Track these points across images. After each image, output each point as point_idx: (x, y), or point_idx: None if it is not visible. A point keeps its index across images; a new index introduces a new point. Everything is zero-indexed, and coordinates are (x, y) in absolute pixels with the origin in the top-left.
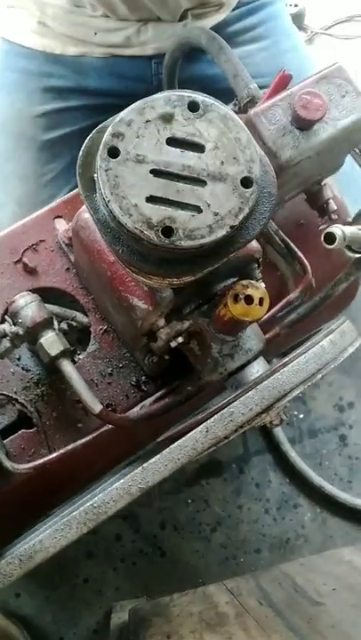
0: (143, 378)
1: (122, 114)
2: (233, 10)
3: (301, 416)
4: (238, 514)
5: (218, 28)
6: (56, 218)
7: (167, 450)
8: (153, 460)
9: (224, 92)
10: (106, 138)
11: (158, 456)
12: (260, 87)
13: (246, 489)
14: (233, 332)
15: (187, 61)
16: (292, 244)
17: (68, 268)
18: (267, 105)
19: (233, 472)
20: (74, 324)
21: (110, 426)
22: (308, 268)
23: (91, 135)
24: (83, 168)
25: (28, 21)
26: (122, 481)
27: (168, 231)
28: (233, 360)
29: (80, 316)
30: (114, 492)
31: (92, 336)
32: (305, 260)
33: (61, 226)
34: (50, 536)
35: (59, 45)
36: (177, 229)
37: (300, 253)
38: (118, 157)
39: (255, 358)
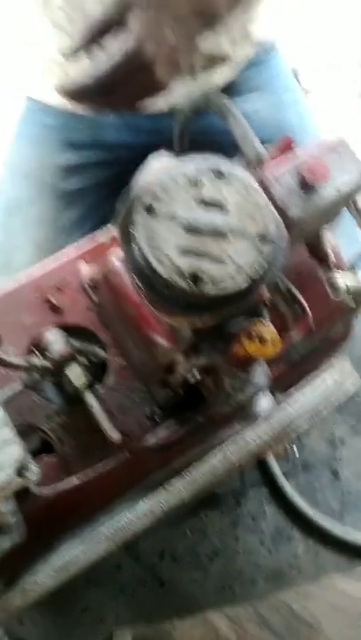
0: (156, 410)
1: (158, 177)
2: None
3: (296, 450)
4: (235, 545)
5: (226, 83)
6: (80, 262)
7: (187, 473)
8: (174, 482)
9: (229, 145)
10: (144, 197)
11: (179, 479)
12: (264, 140)
13: (243, 521)
14: (245, 367)
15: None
16: (293, 289)
17: (89, 308)
18: (276, 168)
19: (230, 504)
20: (93, 358)
21: (126, 454)
22: (308, 310)
23: (129, 195)
24: (122, 223)
25: (50, 81)
26: (146, 501)
27: (197, 280)
28: (243, 393)
29: (99, 351)
30: (139, 511)
31: (109, 370)
32: (305, 304)
33: (85, 269)
34: (81, 551)
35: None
36: (204, 279)
37: (300, 297)
38: (154, 215)
39: (262, 392)
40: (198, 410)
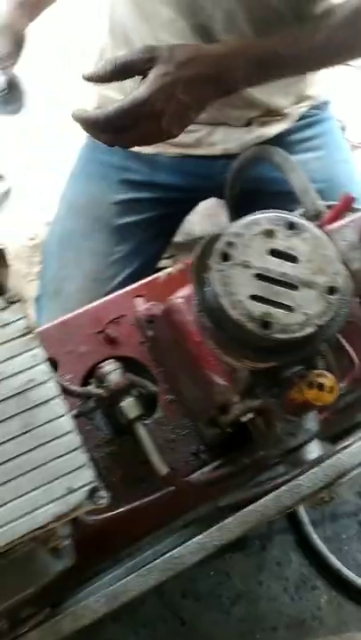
0: (202, 447)
1: (234, 227)
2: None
3: None
4: (258, 590)
5: (280, 136)
6: (136, 297)
7: (240, 513)
8: (227, 521)
9: (278, 194)
10: (220, 245)
11: (232, 518)
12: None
13: (267, 566)
14: (299, 413)
15: None
16: (342, 340)
17: (143, 342)
18: (339, 224)
19: (256, 548)
20: (144, 391)
21: (171, 488)
22: (357, 361)
23: (203, 242)
24: (197, 268)
25: None
26: (200, 537)
27: (266, 324)
28: (295, 438)
29: (150, 385)
30: (192, 546)
31: (158, 404)
32: (353, 354)
33: (140, 304)
34: (133, 580)
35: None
36: (273, 324)
37: (349, 347)
38: (229, 262)
39: (312, 439)
40: (245, 450)
